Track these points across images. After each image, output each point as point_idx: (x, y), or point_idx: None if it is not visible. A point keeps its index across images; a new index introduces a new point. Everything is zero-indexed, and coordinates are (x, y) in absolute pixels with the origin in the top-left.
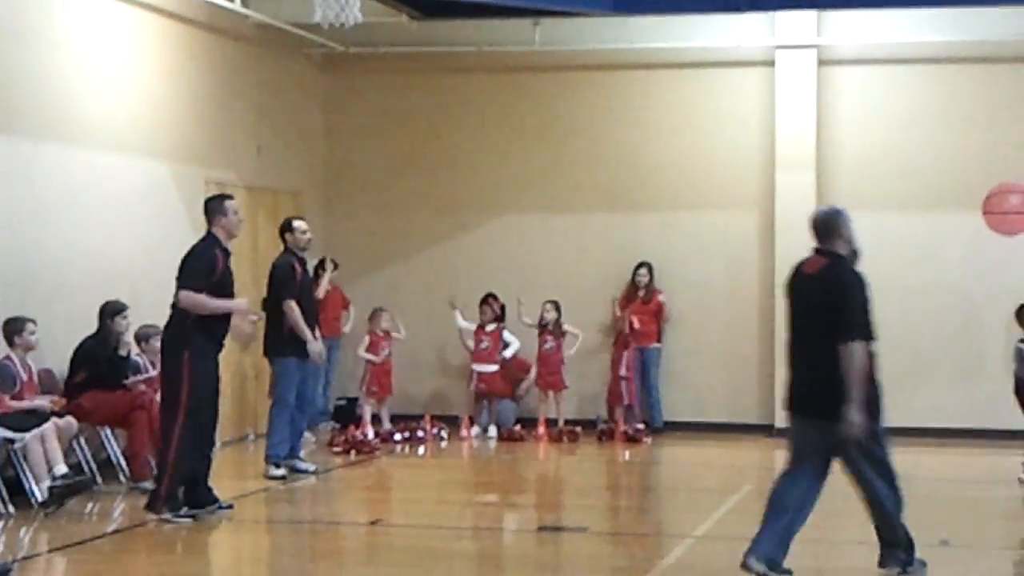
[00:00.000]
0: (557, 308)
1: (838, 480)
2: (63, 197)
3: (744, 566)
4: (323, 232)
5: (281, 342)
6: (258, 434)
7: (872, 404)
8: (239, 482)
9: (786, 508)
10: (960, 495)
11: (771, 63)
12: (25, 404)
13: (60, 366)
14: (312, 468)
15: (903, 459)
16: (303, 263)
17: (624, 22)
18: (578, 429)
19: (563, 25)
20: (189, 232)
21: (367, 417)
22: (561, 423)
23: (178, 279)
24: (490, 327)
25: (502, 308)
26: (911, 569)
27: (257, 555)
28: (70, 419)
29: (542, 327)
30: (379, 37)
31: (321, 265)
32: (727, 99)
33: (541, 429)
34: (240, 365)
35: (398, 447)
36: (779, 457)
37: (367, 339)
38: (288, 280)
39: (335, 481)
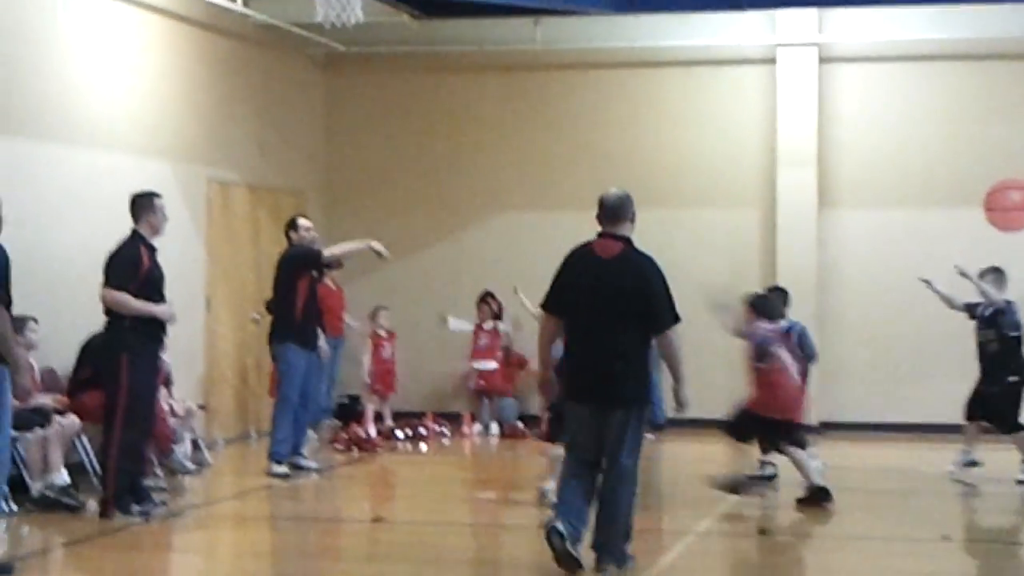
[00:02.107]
0: None
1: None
2: (65, 197)
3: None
4: (324, 230)
5: (288, 329)
6: (260, 432)
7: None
8: (242, 479)
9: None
10: (962, 491)
11: (772, 61)
12: (28, 403)
13: (63, 365)
14: (315, 466)
15: (907, 454)
16: None
17: (625, 20)
18: None
19: (564, 24)
20: (191, 231)
21: (369, 415)
22: None
23: (103, 278)
24: (488, 325)
25: (499, 306)
26: (630, 565)
27: (260, 552)
28: (73, 417)
29: None
30: (380, 36)
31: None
32: (728, 97)
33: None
34: (242, 363)
35: (400, 445)
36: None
37: (369, 342)
38: (305, 262)
39: (337, 479)
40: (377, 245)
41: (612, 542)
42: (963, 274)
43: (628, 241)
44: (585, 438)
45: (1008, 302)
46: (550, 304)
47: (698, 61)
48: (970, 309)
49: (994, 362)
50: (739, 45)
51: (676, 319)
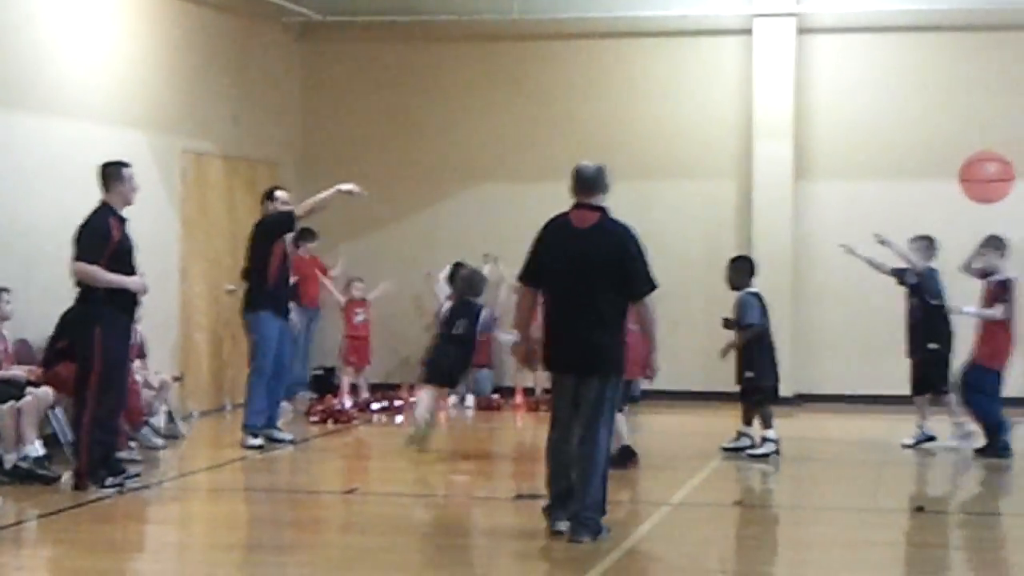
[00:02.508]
0: None
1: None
2: (39, 167)
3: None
4: (299, 201)
5: (261, 296)
6: (235, 404)
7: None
8: (216, 451)
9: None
10: (935, 462)
11: (749, 31)
12: (0, 374)
13: (37, 337)
14: (289, 437)
15: (882, 426)
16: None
17: None
18: None
19: None
20: (166, 202)
21: (345, 387)
22: (539, 392)
23: (73, 250)
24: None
25: None
26: (604, 535)
27: (235, 523)
28: (46, 389)
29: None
30: (356, 5)
31: (300, 236)
32: (705, 68)
33: (518, 398)
34: (217, 335)
35: (375, 416)
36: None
37: (344, 301)
38: (280, 227)
39: (312, 450)
40: (347, 186)
41: (586, 512)
42: (883, 242)
43: (603, 211)
44: (566, 409)
45: (931, 269)
46: (527, 276)
47: (675, 32)
48: (898, 275)
49: (916, 329)
50: (716, 16)
51: (653, 286)
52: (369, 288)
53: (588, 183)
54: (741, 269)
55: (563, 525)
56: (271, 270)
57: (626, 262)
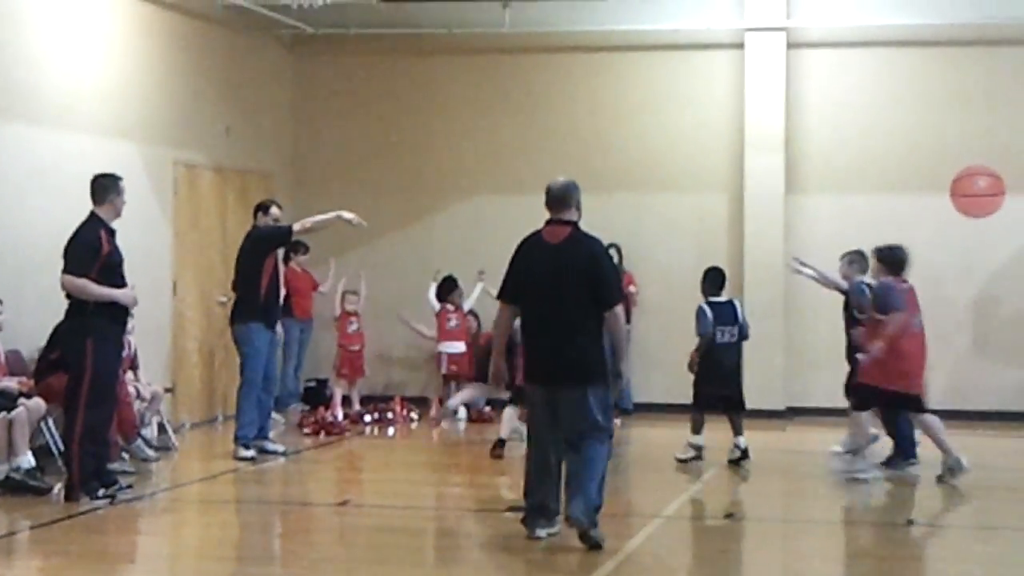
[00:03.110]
0: None
1: None
2: (30, 177)
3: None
4: (291, 213)
5: (252, 308)
6: (226, 415)
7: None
8: (208, 463)
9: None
10: (924, 475)
11: (740, 45)
12: None
13: (29, 348)
14: (281, 449)
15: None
16: None
17: (594, 4)
18: None
19: (533, 7)
20: (158, 214)
21: (337, 399)
22: None
23: (63, 263)
24: (452, 305)
25: (460, 292)
26: (601, 543)
27: (226, 535)
28: (38, 400)
29: None
30: (349, 18)
31: (291, 249)
32: (697, 81)
33: None
34: (209, 346)
35: (368, 428)
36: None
37: (337, 314)
38: (274, 240)
39: (304, 462)
40: (348, 215)
41: (586, 499)
42: (798, 270)
43: (575, 225)
44: (546, 420)
45: (862, 283)
46: (505, 293)
47: (666, 45)
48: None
49: (849, 342)
50: (707, 29)
51: (620, 297)
52: (361, 302)
53: (557, 199)
54: (704, 280)
55: (542, 532)
56: (262, 282)
57: (598, 273)
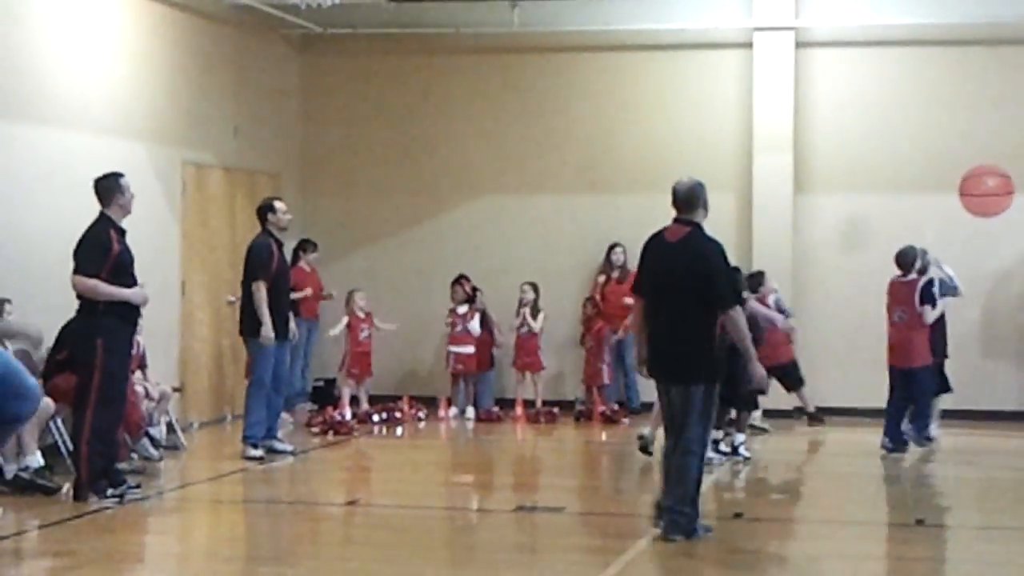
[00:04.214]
0: (535, 289)
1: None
2: (38, 178)
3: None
4: (300, 213)
5: (257, 322)
6: (235, 415)
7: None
8: (216, 462)
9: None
10: (935, 474)
11: (749, 45)
12: None
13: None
14: (290, 449)
15: (880, 439)
16: (280, 245)
17: (602, 3)
18: (556, 410)
19: (541, 7)
20: (167, 214)
21: (345, 398)
22: (539, 404)
23: (74, 264)
24: (462, 308)
25: (474, 289)
26: (700, 535)
27: (234, 535)
28: (47, 400)
29: (520, 308)
30: (357, 18)
31: (300, 247)
32: (705, 81)
33: (519, 410)
34: (217, 346)
35: (376, 428)
36: (755, 437)
37: (344, 319)
38: (264, 262)
39: (313, 462)
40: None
41: (680, 512)
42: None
43: (696, 226)
44: (670, 414)
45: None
46: (635, 287)
47: (675, 45)
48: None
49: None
50: (716, 29)
51: (738, 299)
52: (369, 301)
53: (684, 199)
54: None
55: (672, 535)
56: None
57: (707, 274)
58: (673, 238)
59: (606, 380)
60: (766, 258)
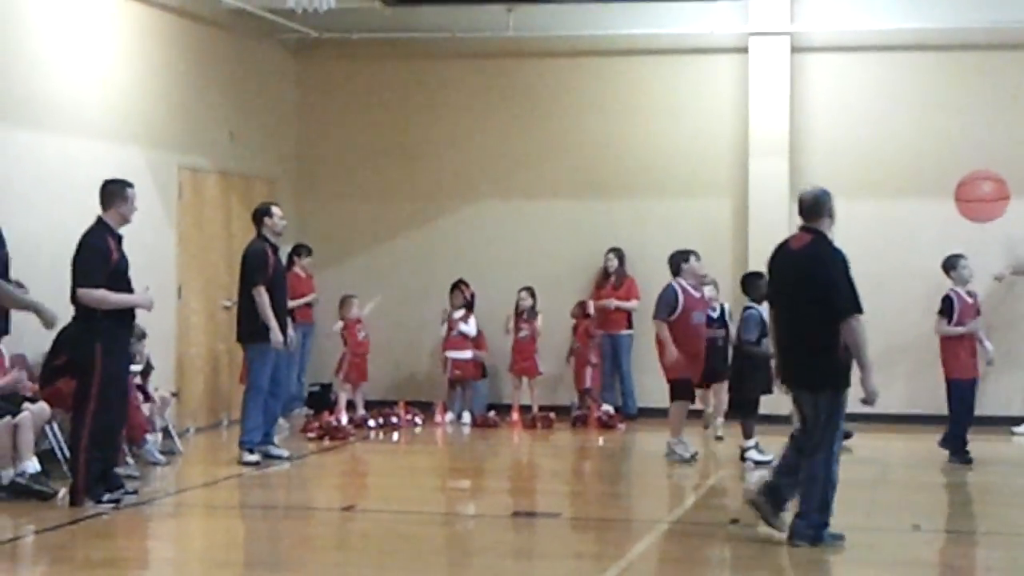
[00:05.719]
0: (532, 295)
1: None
2: (34, 182)
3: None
4: (296, 218)
5: (254, 328)
6: (231, 420)
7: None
8: (213, 467)
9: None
10: (932, 480)
11: (744, 50)
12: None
13: (33, 351)
14: (286, 454)
15: (877, 444)
16: (276, 250)
17: (598, 8)
18: (552, 415)
19: (537, 11)
20: (163, 218)
21: (342, 403)
22: (535, 409)
23: (73, 274)
24: (458, 314)
25: (472, 295)
26: (828, 541)
27: (231, 540)
28: (43, 405)
29: (517, 314)
30: (352, 23)
31: (296, 252)
32: (700, 86)
33: (515, 415)
34: (213, 351)
35: (372, 433)
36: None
37: (340, 322)
38: (261, 266)
39: (309, 467)
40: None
41: (806, 517)
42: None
43: (820, 234)
44: (799, 418)
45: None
46: (767, 296)
47: (671, 50)
48: None
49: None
50: (711, 34)
51: (856, 308)
52: (362, 304)
53: (809, 208)
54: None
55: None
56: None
57: (825, 282)
58: (796, 246)
59: (588, 383)
60: (762, 263)
